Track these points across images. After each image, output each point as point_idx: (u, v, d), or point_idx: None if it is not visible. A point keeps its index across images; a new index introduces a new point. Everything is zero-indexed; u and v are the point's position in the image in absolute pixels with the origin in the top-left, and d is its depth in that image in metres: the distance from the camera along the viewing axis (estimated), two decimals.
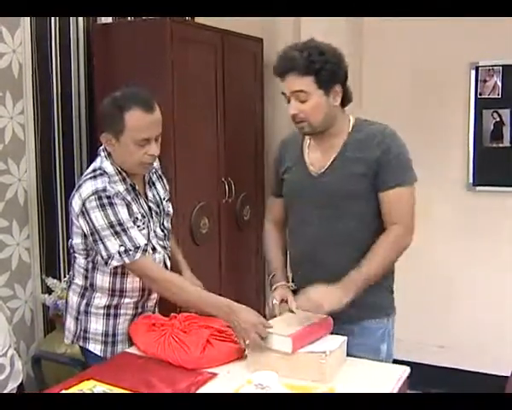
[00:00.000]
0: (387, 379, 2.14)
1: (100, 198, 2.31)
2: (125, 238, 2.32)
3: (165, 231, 2.58)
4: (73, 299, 2.55)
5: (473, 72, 4.02)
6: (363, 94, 4.34)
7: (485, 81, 4.00)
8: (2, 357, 2.54)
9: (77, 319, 2.54)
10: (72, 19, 3.61)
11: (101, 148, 2.47)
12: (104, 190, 2.33)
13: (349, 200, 2.37)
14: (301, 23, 4.15)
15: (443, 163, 4.20)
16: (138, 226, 2.40)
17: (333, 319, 2.28)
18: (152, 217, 2.49)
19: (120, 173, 2.41)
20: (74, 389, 1.97)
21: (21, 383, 2.69)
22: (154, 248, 2.48)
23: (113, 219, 2.31)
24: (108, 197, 2.32)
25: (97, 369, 2.21)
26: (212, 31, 3.80)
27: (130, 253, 2.32)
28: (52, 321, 3.49)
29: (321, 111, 2.33)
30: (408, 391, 2.18)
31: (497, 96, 3.98)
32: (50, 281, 3.41)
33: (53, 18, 3.48)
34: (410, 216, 2.37)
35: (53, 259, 3.55)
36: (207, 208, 3.82)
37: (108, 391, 1.97)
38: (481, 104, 4.02)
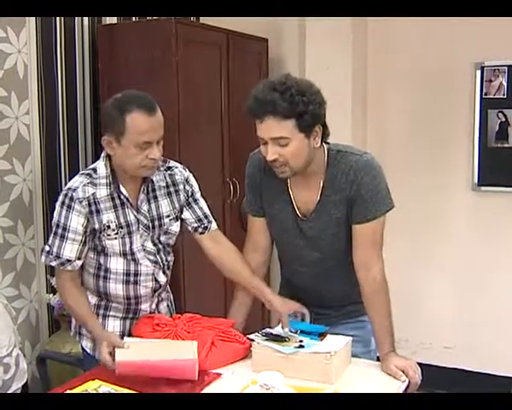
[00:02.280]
0: (393, 380, 2.14)
1: (65, 196, 2.36)
2: (56, 242, 2.36)
3: (160, 246, 2.51)
4: None
5: (478, 72, 4.01)
6: (367, 95, 4.33)
7: (490, 81, 3.99)
8: (7, 357, 2.54)
9: None
10: (77, 19, 3.61)
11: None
12: (74, 190, 2.35)
13: (336, 241, 2.37)
14: (306, 23, 4.16)
15: (448, 163, 4.20)
16: (109, 235, 2.38)
17: (335, 316, 2.43)
18: (139, 229, 2.44)
19: (109, 177, 2.39)
20: (79, 389, 1.97)
21: (26, 383, 2.69)
22: (134, 260, 2.44)
23: (61, 220, 2.35)
24: (71, 199, 2.34)
25: (102, 369, 2.21)
26: (217, 31, 3.80)
27: (49, 257, 2.38)
28: (57, 321, 3.49)
29: (301, 155, 2.20)
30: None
31: (502, 97, 3.97)
32: (55, 281, 3.41)
33: (58, 18, 3.49)
34: (381, 245, 2.35)
35: None
36: (212, 208, 3.76)
37: (113, 391, 1.97)
38: (487, 104, 4.02)
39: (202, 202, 2.61)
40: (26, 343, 3.39)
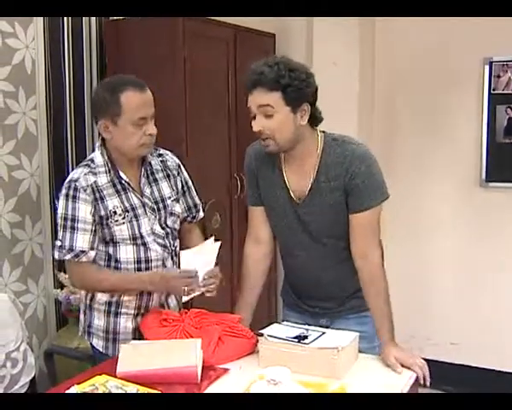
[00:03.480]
0: (399, 376, 2.13)
1: (68, 188, 2.37)
2: (66, 235, 2.36)
3: (168, 230, 2.54)
4: (82, 292, 2.59)
5: (486, 67, 4.00)
6: (374, 93, 4.32)
7: (498, 76, 3.97)
8: (15, 351, 2.56)
9: (85, 312, 2.57)
10: None
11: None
12: (76, 180, 2.37)
13: (332, 225, 2.38)
14: (314, 19, 4.15)
15: (456, 159, 4.18)
16: (116, 221, 2.40)
17: (338, 310, 2.47)
18: (146, 213, 2.46)
19: (107, 165, 2.42)
20: (86, 384, 1.97)
21: (34, 378, 2.70)
22: (144, 244, 2.45)
23: (69, 212, 2.36)
24: (75, 189, 2.36)
25: (110, 364, 2.21)
26: (225, 26, 3.79)
27: (63, 251, 2.38)
28: (64, 316, 3.51)
29: (287, 129, 2.25)
30: (420, 388, 2.17)
31: (510, 92, 3.95)
32: (63, 276, 3.41)
33: None
34: (378, 234, 2.38)
35: None
36: (219, 204, 3.82)
37: (121, 386, 1.97)
38: (495, 100, 4.00)
39: (193, 191, 2.68)
40: (33, 338, 3.40)
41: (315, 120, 2.33)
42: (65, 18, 3.50)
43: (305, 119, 2.28)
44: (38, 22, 3.35)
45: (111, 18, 3.73)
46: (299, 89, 2.22)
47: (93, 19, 3.67)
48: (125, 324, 2.50)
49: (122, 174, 2.42)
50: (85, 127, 3.67)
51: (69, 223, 2.36)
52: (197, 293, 2.38)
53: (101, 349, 2.51)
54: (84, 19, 3.62)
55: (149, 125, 2.37)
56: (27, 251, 3.38)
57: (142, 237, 2.44)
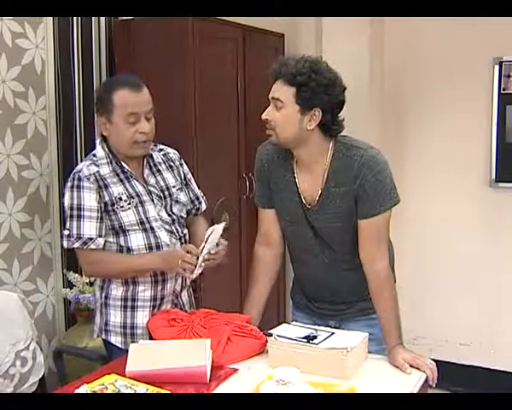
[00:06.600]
0: (409, 376, 2.12)
1: (73, 179, 2.43)
2: (74, 224, 2.41)
3: (174, 217, 2.57)
4: (97, 292, 2.61)
5: (496, 67, 3.98)
6: (384, 92, 4.31)
7: (508, 76, 3.95)
8: (24, 350, 2.57)
9: (100, 311, 2.59)
10: None
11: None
12: (79, 171, 2.43)
13: (343, 231, 2.36)
14: (323, 19, 4.14)
15: (465, 159, 4.17)
16: (122, 207, 2.44)
17: (347, 312, 2.46)
18: (152, 200, 2.50)
19: (108, 156, 2.48)
20: (96, 384, 1.97)
21: (43, 377, 2.71)
22: (152, 228, 2.48)
23: (74, 202, 2.41)
24: (79, 179, 2.41)
25: (119, 363, 2.22)
26: (234, 26, 3.79)
27: (71, 240, 2.43)
28: (73, 315, 3.51)
29: (290, 126, 2.24)
30: (429, 389, 2.16)
31: None
32: (72, 275, 3.43)
33: None
34: (386, 240, 2.36)
35: (74, 253, 3.55)
36: (228, 204, 3.82)
37: (130, 385, 1.97)
38: (505, 100, 3.98)
39: (194, 183, 2.73)
40: (42, 337, 3.41)
41: (327, 129, 2.28)
42: (74, 18, 3.51)
43: (312, 124, 2.25)
44: (48, 22, 3.36)
45: (120, 18, 3.74)
46: (314, 91, 2.19)
47: (102, 19, 3.68)
48: (143, 318, 2.51)
49: (124, 164, 2.49)
50: (95, 127, 3.68)
51: (75, 212, 2.41)
52: (199, 270, 2.38)
53: (120, 345, 2.51)
54: (94, 19, 3.63)
55: (142, 123, 2.43)
56: (37, 250, 3.39)
57: (149, 222, 2.48)
